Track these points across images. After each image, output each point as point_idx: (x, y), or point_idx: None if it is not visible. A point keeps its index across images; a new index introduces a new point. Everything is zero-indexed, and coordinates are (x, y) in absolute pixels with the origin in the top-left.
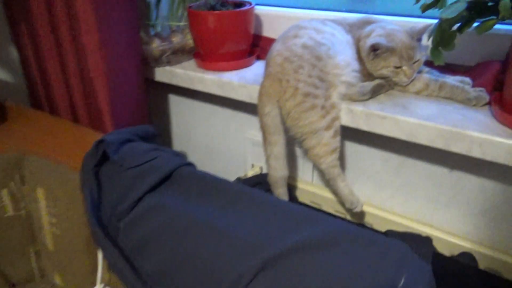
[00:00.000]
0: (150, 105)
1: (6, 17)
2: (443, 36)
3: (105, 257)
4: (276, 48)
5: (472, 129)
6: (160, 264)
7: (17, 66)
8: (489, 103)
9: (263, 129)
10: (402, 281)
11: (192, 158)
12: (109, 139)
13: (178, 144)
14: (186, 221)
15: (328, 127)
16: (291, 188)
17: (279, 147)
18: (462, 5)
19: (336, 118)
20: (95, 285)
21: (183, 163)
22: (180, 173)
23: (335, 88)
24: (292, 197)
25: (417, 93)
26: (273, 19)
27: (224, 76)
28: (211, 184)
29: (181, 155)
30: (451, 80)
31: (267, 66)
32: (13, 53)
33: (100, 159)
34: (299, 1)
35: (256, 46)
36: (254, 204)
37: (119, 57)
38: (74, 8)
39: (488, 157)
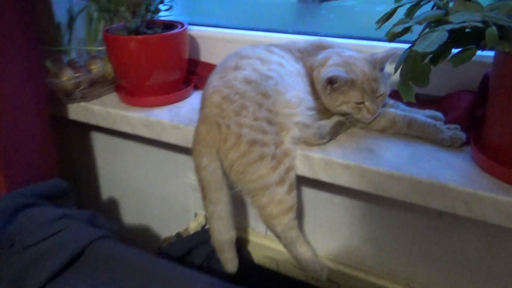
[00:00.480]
0: (70, 145)
1: None
2: (414, 69)
3: None
4: (212, 83)
5: (454, 181)
6: None
7: None
8: (467, 142)
9: (202, 185)
10: None
11: (123, 206)
12: None
13: (107, 190)
14: None
15: (281, 181)
16: (242, 242)
17: (222, 206)
18: (442, 36)
19: (291, 168)
20: None
21: (98, 236)
22: (94, 250)
23: (287, 131)
24: (243, 255)
25: (382, 131)
26: (212, 41)
27: (153, 114)
28: (133, 263)
29: (98, 220)
30: (421, 115)
31: (202, 106)
32: None
33: None
34: (242, 21)
35: (193, 74)
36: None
37: (12, 97)
38: None
39: (476, 215)
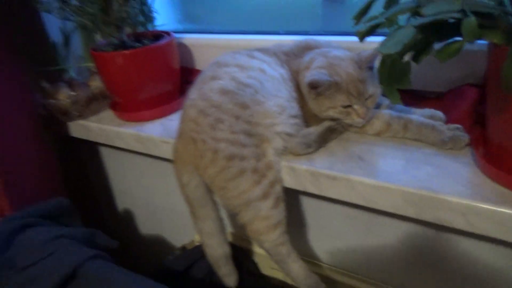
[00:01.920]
0: (84, 159)
1: None
2: (392, 70)
3: None
4: (190, 95)
5: (451, 192)
6: None
7: None
8: (470, 144)
9: (187, 201)
10: None
11: (138, 217)
12: None
13: (121, 202)
14: None
15: (265, 196)
16: (247, 254)
17: (210, 222)
18: (408, 33)
19: (275, 181)
20: None
21: (89, 256)
22: (86, 272)
23: (269, 142)
24: (248, 268)
25: (377, 134)
26: (204, 48)
27: (144, 129)
28: (124, 286)
29: (98, 235)
30: (418, 116)
31: (180, 120)
32: None
33: None
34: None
35: (188, 83)
36: None
37: (5, 123)
38: None
39: (478, 230)
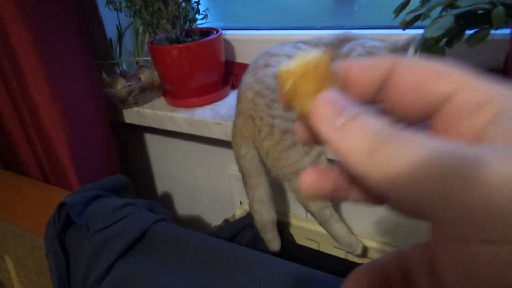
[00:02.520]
0: (126, 146)
1: None
2: (430, 52)
3: None
4: (245, 81)
5: None
6: None
7: None
8: None
9: (242, 172)
10: None
11: (178, 200)
12: (71, 201)
13: (161, 185)
14: None
15: (313, 165)
16: (284, 226)
17: (262, 190)
18: (448, 20)
19: (322, 152)
20: None
21: (156, 219)
22: (154, 232)
23: None
24: (286, 237)
25: None
26: (244, 43)
27: (196, 113)
28: (190, 244)
29: (157, 206)
30: None
31: (238, 102)
32: None
33: (64, 224)
34: (274, 22)
35: (230, 74)
36: (241, 267)
37: (77, 107)
38: (17, 62)
39: None
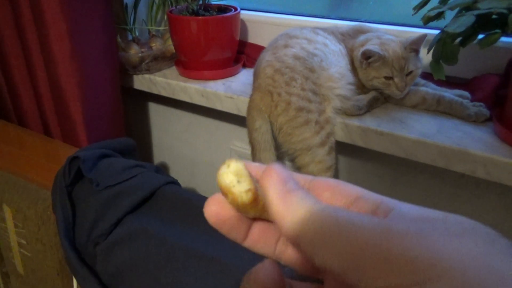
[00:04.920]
0: (128, 114)
1: None
2: (445, 50)
3: (80, 284)
4: (265, 58)
5: (476, 148)
6: None
7: None
8: (489, 119)
9: (252, 144)
10: None
11: (174, 170)
12: (83, 156)
13: (159, 155)
14: (171, 248)
15: (322, 144)
16: None
17: None
18: (469, 19)
19: (331, 133)
20: None
21: (166, 181)
22: (163, 193)
23: (329, 102)
24: None
25: (414, 107)
26: (259, 25)
27: (208, 86)
28: (196, 206)
29: (162, 171)
30: (449, 94)
31: (256, 77)
32: None
33: (73, 177)
34: (287, 7)
35: (242, 53)
36: None
37: (94, 66)
38: (41, 13)
39: (493, 178)
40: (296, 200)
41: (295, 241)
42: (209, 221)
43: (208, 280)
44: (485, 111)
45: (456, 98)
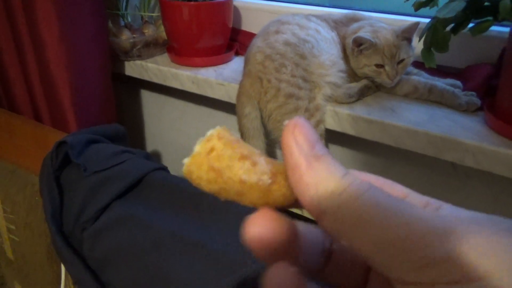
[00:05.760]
0: (120, 101)
1: None
2: (435, 37)
3: (67, 269)
4: (256, 44)
5: (465, 137)
6: (129, 280)
7: None
8: (480, 109)
9: (242, 131)
10: None
11: (166, 159)
12: (71, 140)
13: (151, 143)
14: (158, 234)
15: None
16: None
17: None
18: (460, 4)
19: (321, 121)
20: None
21: (154, 168)
22: (152, 179)
23: (319, 89)
24: None
25: (405, 96)
26: (252, 12)
27: (200, 73)
28: (185, 192)
29: (152, 158)
30: (441, 83)
31: (246, 63)
32: None
33: (61, 162)
34: None
35: (234, 41)
36: (232, 215)
37: (83, 50)
38: None
39: (482, 166)
40: (326, 169)
41: (319, 215)
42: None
43: (194, 265)
44: (476, 100)
45: (448, 87)
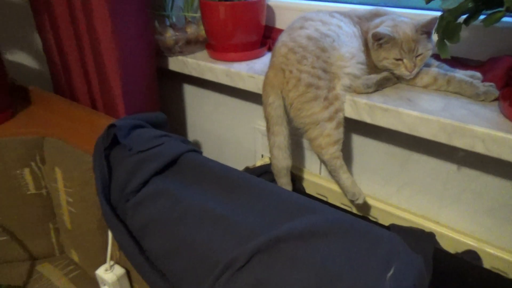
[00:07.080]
0: (165, 93)
1: (31, 8)
2: (447, 28)
3: (114, 236)
4: (281, 39)
5: (475, 124)
6: (161, 246)
7: (41, 54)
8: (498, 99)
9: (267, 119)
10: (391, 271)
11: (204, 147)
12: (119, 124)
13: (191, 133)
14: (186, 206)
15: (330, 118)
16: (299, 179)
17: (281, 137)
18: None
19: (340, 109)
20: (105, 262)
21: (189, 149)
22: (186, 159)
23: (339, 79)
24: (298, 188)
25: (425, 87)
26: (286, 10)
27: (233, 67)
28: (214, 171)
29: (188, 142)
30: (461, 74)
31: (272, 56)
32: (38, 41)
33: (111, 143)
34: None
35: (268, 38)
36: (254, 192)
37: (131, 45)
38: None
39: (493, 153)
40: None
41: None
42: None
43: (217, 234)
44: (494, 91)
45: (467, 78)
